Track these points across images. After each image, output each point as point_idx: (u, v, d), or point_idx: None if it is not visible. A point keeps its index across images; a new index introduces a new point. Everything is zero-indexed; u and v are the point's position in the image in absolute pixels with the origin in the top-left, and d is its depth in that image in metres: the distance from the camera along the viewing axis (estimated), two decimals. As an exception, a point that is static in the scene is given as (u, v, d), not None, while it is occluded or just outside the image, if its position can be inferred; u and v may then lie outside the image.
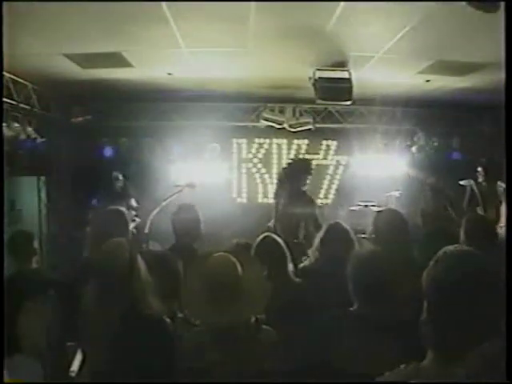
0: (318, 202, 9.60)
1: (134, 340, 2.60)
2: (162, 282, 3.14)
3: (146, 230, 6.57)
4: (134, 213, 7.94)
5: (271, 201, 9.75)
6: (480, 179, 8.33)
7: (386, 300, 2.82)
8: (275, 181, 10.02)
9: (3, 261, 3.38)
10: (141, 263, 2.92)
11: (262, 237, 4.29)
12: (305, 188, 6.59)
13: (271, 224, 6.49)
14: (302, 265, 4.59)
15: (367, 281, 2.92)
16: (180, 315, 3.16)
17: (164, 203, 6.82)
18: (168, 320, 2.84)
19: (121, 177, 8.85)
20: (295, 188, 6.48)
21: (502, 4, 3.95)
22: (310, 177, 6.66)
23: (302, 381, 2.83)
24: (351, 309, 2.97)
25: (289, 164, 6.83)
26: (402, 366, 1.80)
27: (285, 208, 6.43)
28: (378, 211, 4.73)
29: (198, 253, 4.34)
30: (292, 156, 10.08)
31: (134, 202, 8.56)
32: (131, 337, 2.61)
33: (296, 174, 6.53)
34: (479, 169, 8.36)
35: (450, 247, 1.92)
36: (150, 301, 2.77)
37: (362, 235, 8.27)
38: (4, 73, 6.39)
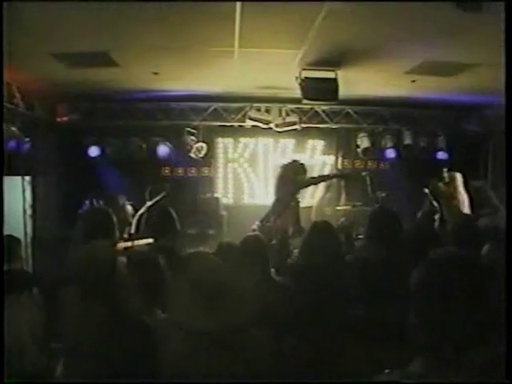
0: (305, 202, 9.64)
1: (115, 343, 2.57)
2: (146, 283, 3.11)
3: (132, 231, 6.53)
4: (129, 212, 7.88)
5: (257, 202, 9.82)
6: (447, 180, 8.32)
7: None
8: (262, 181, 10.09)
9: (3, 260, 3.36)
10: (123, 265, 2.89)
11: (245, 237, 4.26)
12: (297, 191, 6.57)
13: (256, 226, 6.45)
14: (287, 264, 4.56)
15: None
16: (163, 316, 3.13)
17: (149, 203, 6.79)
18: (149, 322, 2.81)
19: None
20: (287, 190, 6.45)
21: (485, 4, 3.99)
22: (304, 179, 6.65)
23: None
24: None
25: (284, 166, 6.80)
26: (386, 371, 1.78)
27: (283, 212, 6.41)
28: (373, 210, 4.70)
29: (177, 254, 4.30)
30: (278, 156, 10.09)
31: (128, 207, 8.46)
32: (112, 340, 2.58)
33: (290, 177, 6.52)
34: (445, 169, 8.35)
35: (439, 249, 1.93)
36: (132, 302, 2.74)
37: (358, 236, 8.36)
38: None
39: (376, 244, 3.89)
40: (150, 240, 4.74)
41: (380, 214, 4.33)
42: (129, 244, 5.14)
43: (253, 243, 4.06)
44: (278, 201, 6.52)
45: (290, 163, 6.80)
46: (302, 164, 6.75)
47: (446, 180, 8.17)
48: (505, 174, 2.04)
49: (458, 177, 7.94)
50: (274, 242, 5.50)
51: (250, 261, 3.64)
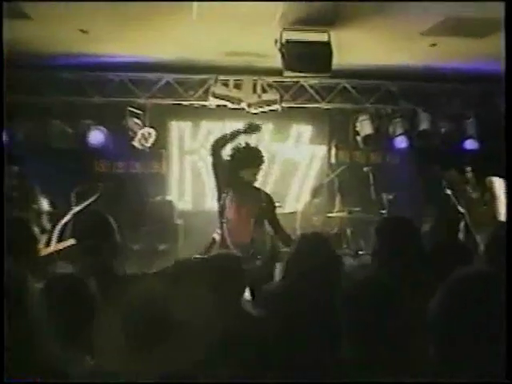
0: (286, 207, 9.61)
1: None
2: (69, 317, 3.09)
3: (52, 246, 6.45)
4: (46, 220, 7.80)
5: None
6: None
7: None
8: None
9: (3, 260, 3.40)
10: (35, 291, 2.82)
11: (210, 254, 4.19)
12: (256, 183, 6.49)
13: (217, 235, 6.39)
14: (263, 291, 4.51)
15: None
16: (91, 362, 3.05)
17: (77, 209, 6.67)
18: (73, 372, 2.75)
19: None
20: (243, 184, 6.38)
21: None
22: (261, 167, 6.56)
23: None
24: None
25: (232, 154, 6.70)
26: None
27: (233, 213, 6.32)
28: (382, 219, 4.71)
29: (117, 277, 4.25)
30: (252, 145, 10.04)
31: (46, 205, 8.36)
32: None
33: (240, 166, 6.42)
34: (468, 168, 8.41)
35: (464, 270, 2.06)
36: (47, 344, 2.68)
37: (359, 252, 8.39)
38: None
39: (385, 262, 3.87)
40: (73, 241, 4.66)
41: (390, 223, 4.32)
42: (50, 249, 5.09)
43: (224, 263, 4.01)
44: (219, 200, 6.45)
45: (235, 151, 6.68)
46: (251, 148, 6.60)
47: (472, 182, 8.25)
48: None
49: (497, 182, 8.04)
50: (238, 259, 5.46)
51: (216, 287, 3.58)
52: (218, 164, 6.41)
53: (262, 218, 6.32)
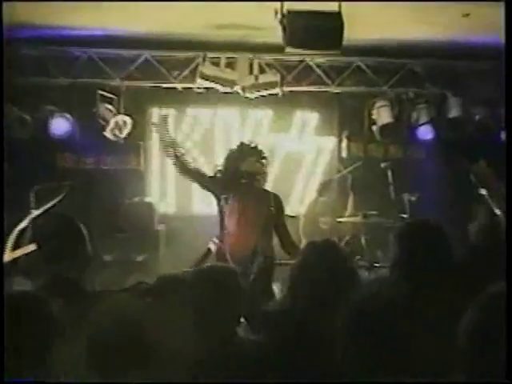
0: (288, 210, 9.62)
1: None
2: (28, 343, 3.03)
3: (6, 257, 6.43)
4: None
5: (215, 210, 9.76)
6: None
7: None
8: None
9: (3, 259, 3.47)
10: None
11: (201, 267, 4.22)
12: (265, 185, 6.52)
13: (213, 245, 6.39)
14: (265, 310, 4.51)
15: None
16: None
17: (36, 212, 6.62)
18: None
19: None
20: (247, 185, 6.40)
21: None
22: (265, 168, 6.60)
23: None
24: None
25: (227, 156, 6.76)
26: None
27: (234, 221, 6.34)
28: (405, 225, 4.70)
29: (86, 294, 4.24)
30: (248, 137, 10.04)
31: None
32: None
33: (241, 158, 6.46)
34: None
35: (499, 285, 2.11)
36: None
37: (375, 263, 8.39)
38: None
39: (407, 276, 3.85)
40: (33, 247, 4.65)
41: (413, 228, 4.30)
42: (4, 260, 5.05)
43: (214, 277, 3.98)
44: (218, 205, 6.49)
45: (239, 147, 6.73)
46: (253, 147, 6.64)
47: None
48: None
49: None
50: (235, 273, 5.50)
51: (208, 305, 3.56)
52: (194, 174, 6.44)
53: (270, 225, 6.33)
